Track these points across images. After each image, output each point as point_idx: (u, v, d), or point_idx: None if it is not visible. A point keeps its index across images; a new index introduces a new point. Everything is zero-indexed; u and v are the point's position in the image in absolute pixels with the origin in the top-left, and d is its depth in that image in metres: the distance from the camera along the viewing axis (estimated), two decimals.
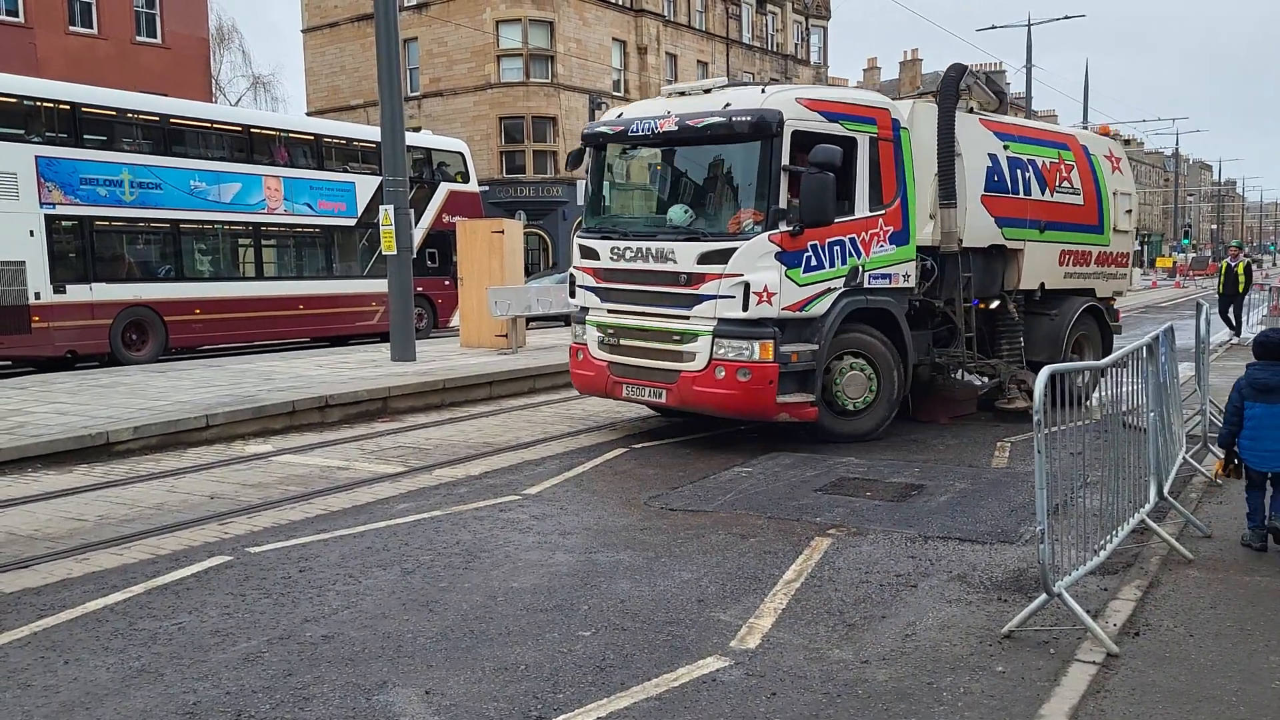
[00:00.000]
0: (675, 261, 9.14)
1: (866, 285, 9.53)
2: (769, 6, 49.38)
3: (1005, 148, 11.10)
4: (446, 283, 21.25)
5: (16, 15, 26.05)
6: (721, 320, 8.92)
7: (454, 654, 4.60)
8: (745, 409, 9.13)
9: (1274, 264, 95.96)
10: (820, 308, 9.17)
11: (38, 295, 15.72)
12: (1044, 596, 4.63)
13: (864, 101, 9.92)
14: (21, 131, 15.75)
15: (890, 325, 9.80)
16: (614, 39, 39.80)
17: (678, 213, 9.54)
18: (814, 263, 9.05)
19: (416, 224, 19.53)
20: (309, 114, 39.49)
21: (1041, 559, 4.51)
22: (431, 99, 37.96)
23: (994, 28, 43.09)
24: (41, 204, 15.73)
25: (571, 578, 5.67)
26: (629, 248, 9.54)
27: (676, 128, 9.24)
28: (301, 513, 7.27)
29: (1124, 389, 5.82)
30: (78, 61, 25.57)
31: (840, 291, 9.29)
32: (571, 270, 10.31)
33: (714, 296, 8.90)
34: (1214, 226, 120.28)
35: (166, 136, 17.75)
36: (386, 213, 14.93)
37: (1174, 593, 5.20)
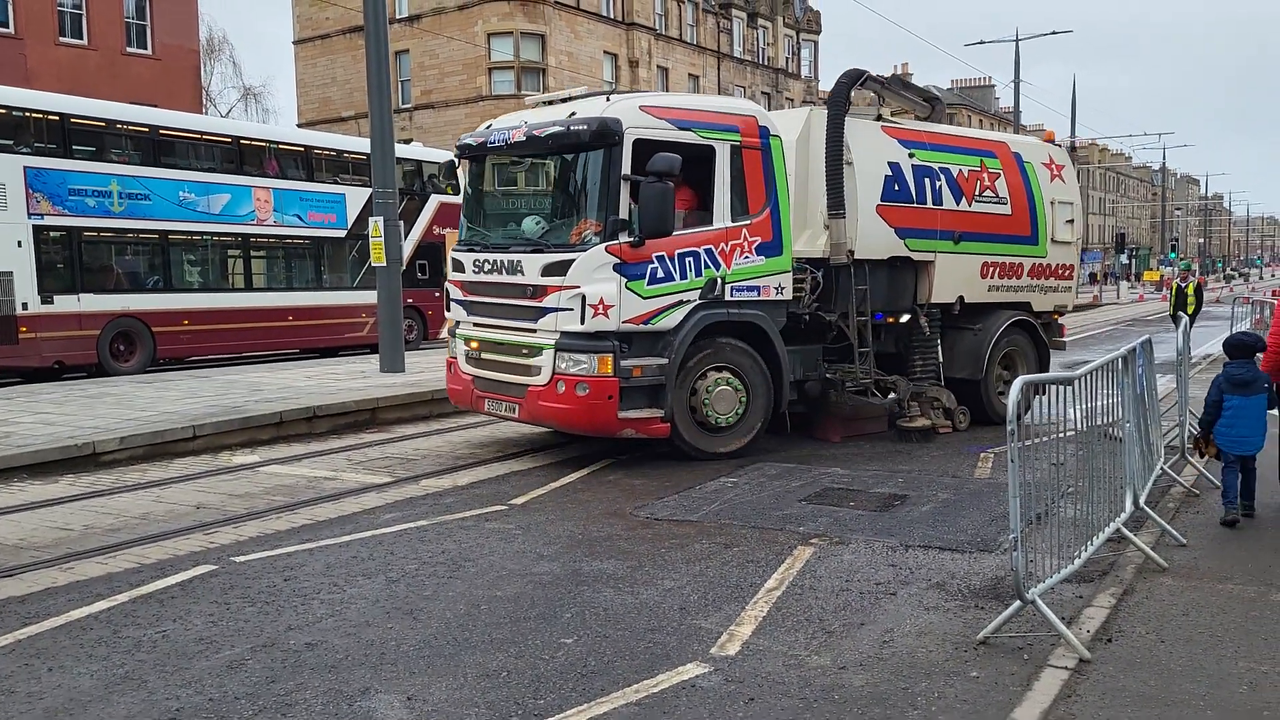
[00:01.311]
0: (523, 274, 9.03)
1: (729, 298, 9.23)
2: (760, 21, 49.72)
3: (911, 155, 10.69)
4: (436, 294, 21.23)
5: (7, 26, 26.06)
6: (563, 333, 8.73)
7: (436, 661, 4.65)
8: (586, 424, 8.93)
9: (1260, 278, 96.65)
10: (670, 321, 8.90)
11: (25, 306, 15.71)
12: (1018, 603, 4.70)
13: (724, 109, 9.66)
14: (10, 142, 15.75)
15: (763, 339, 9.54)
16: (605, 52, 40.01)
17: (530, 224, 9.48)
18: (660, 274, 8.80)
19: (407, 236, 19.62)
20: (300, 125, 39.58)
21: (1015, 566, 4.58)
22: (423, 111, 38.08)
23: (982, 43, 43.49)
24: (30, 214, 15.72)
25: (555, 586, 5.71)
26: (488, 260, 9.44)
27: (525, 138, 9.11)
28: (287, 523, 7.30)
29: (1099, 401, 5.90)
30: (68, 73, 25.58)
31: (695, 304, 9.01)
32: (446, 284, 10.23)
33: (556, 309, 8.73)
34: (1201, 240, 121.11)
35: (155, 147, 17.77)
36: (376, 224, 14.98)
37: (1147, 600, 5.28)
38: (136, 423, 10.41)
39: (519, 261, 9.08)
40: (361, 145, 20.26)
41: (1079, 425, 5.59)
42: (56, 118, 16.46)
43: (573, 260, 8.64)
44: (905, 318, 10.98)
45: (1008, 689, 4.24)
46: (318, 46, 41.28)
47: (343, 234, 20.73)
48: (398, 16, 37.62)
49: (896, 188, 10.55)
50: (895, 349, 11.21)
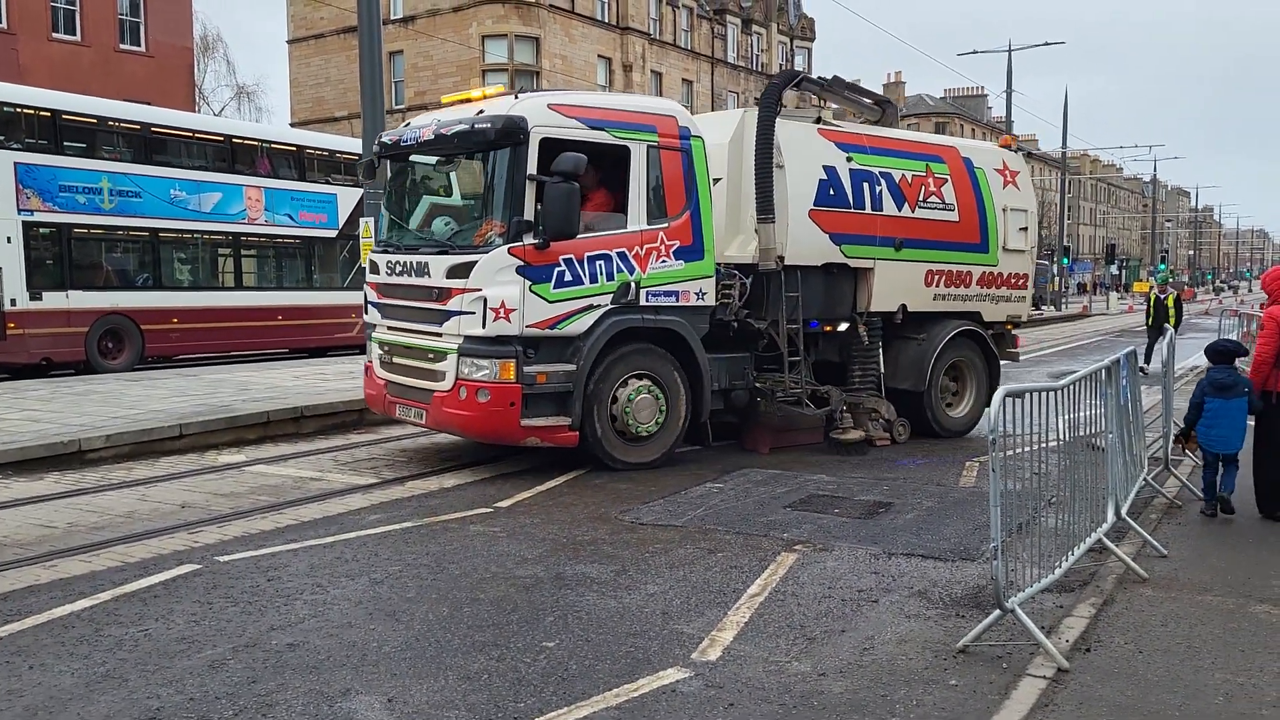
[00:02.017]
0: (430, 275, 8.77)
1: (645, 303, 9.00)
2: (754, 27, 49.87)
3: (849, 159, 10.35)
4: None
5: (0, 22, 26.00)
6: (467, 338, 8.47)
7: (418, 663, 4.65)
8: (487, 432, 8.68)
9: (1249, 290, 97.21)
10: (579, 326, 8.66)
11: (14, 302, 15.67)
12: (997, 612, 4.73)
13: (640, 108, 9.43)
14: (0, 138, 15.73)
15: (683, 346, 9.29)
16: (600, 56, 40.07)
17: (439, 225, 9.30)
18: (568, 278, 8.56)
19: None
20: (293, 125, 39.53)
21: (995, 575, 4.61)
22: (416, 112, 37.84)
23: (975, 53, 43.70)
24: (19, 210, 15.69)
25: (538, 590, 5.72)
26: (400, 262, 9.18)
27: (434, 136, 8.89)
28: (272, 523, 7.30)
29: (1083, 412, 5.93)
30: (61, 69, 25.52)
31: (606, 309, 8.77)
32: (365, 286, 10.07)
33: (459, 312, 8.47)
34: (1191, 252, 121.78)
35: (147, 145, 17.74)
36: (367, 225, 14.92)
37: (1127, 610, 5.32)
38: (123, 421, 10.39)
39: (426, 263, 8.83)
40: (354, 145, 20.25)
41: (1062, 435, 5.63)
42: (48, 114, 16.44)
43: (475, 262, 8.39)
44: (844, 326, 10.66)
45: (986, 697, 4.27)
46: (312, 46, 41.25)
47: (334, 234, 20.73)
48: (392, 17, 37.64)
49: (832, 192, 10.20)
50: (838, 358, 10.91)
